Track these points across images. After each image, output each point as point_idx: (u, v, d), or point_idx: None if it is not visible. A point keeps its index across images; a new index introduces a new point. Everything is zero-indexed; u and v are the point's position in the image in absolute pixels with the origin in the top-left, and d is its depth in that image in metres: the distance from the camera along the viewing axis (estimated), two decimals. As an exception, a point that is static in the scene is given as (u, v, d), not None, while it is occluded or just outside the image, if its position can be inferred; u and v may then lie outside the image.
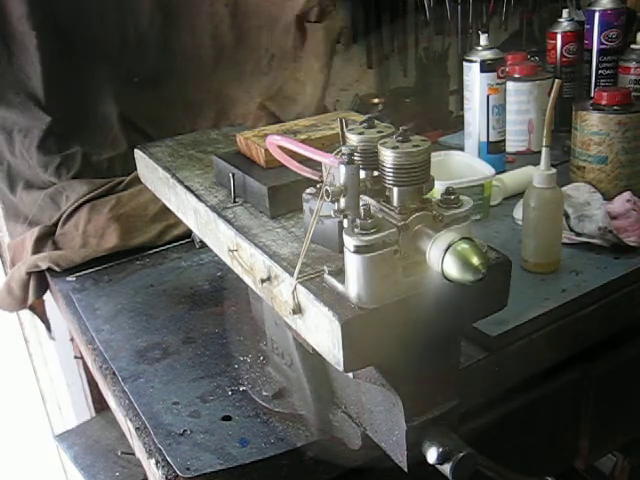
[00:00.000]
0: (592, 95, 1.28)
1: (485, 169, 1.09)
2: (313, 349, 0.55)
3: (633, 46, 1.25)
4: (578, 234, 0.98)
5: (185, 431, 0.71)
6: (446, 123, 1.56)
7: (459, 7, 1.57)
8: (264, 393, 0.74)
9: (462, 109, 1.32)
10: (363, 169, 0.55)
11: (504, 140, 1.27)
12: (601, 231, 0.95)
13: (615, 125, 1.06)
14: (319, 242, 0.59)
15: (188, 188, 0.77)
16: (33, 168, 1.21)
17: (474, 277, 0.45)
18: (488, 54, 1.20)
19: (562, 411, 0.92)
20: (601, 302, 0.87)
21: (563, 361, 0.86)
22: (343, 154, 0.53)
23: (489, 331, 0.78)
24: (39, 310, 1.36)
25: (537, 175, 0.91)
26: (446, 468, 0.55)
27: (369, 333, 0.50)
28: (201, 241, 0.79)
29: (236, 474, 0.66)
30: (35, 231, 1.15)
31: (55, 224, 1.17)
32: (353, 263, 0.49)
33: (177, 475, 0.65)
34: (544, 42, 1.47)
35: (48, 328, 1.40)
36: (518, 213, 1.05)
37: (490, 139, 1.25)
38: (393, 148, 0.52)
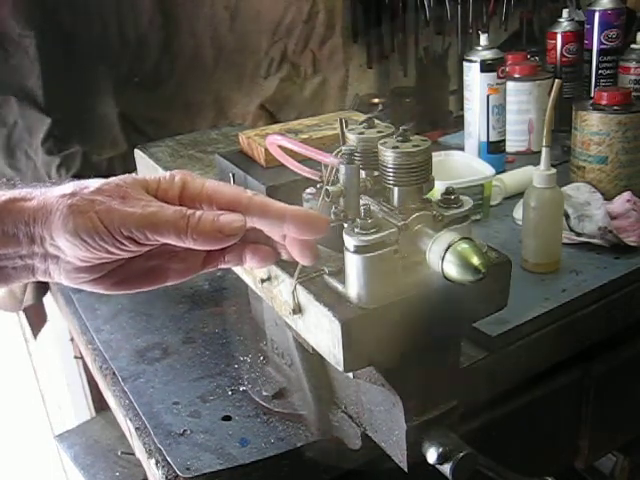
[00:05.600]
0: (592, 95, 1.27)
1: (485, 169, 1.09)
2: (313, 349, 0.55)
3: (633, 46, 1.25)
4: (578, 234, 0.98)
5: (185, 431, 0.71)
6: (446, 123, 1.56)
7: (459, 7, 1.57)
8: (264, 393, 0.74)
9: (462, 109, 1.32)
10: (363, 169, 0.55)
11: (504, 140, 1.27)
12: (601, 231, 0.95)
13: (615, 125, 1.06)
14: (319, 242, 0.58)
15: (188, 188, 0.77)
16: (38, 170, 1.21)
17: (474, 277, 0.45)
18: (488, 54, 1.20)
19: (562, 411, 0.92)
20: (601, 302, 0.87)
21: (563, 361, 0.86)
22: (343, 154, 0.53)
23: (489, 331, 0.78)
24: (31, 313, 1.36)
25: (537, 175, 0.91)
26: (446, 468, 0.55)
27: (369, 333, 0.50)
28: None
29: (236, 474, 0.66)
30: None
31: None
32: (353, 263, 0.49)
33: (177, 475, 0.65)
34: (544, 42, 1.47)
35: (35, 333, 1.39)
36: (518, 213, 1.05)
37: (490, 139, 1.25)
38: (393, 148, 0.52)
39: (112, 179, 0.46)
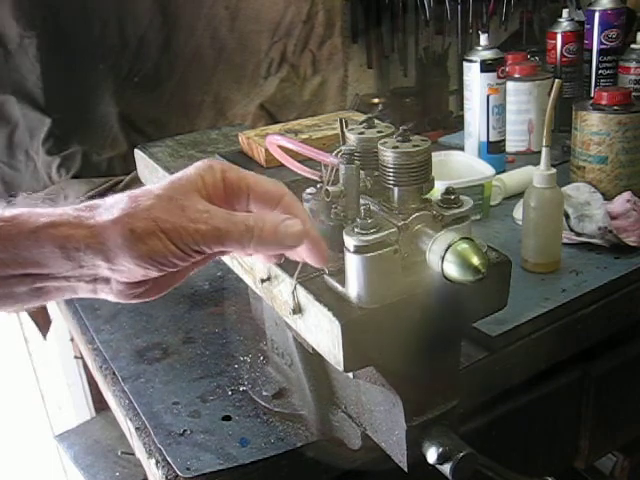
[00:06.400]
0: (592, 95, 1.28)
1: (485, 169, 1.09)
2: (313, 349, 0.55)
3: (633, 46, 1.25)
4: (578, 234, 0.98)
5: (185, 431, 0.71)
6: (446, 123, 1.56)
7: (459, 7, 1.57)
8: (264, 393, 0.74)
9: (462, 109, 1.32)
10: (363, 169, 0.55)
11: (504, 140, 1.27)
12: (601, 231, 0.95)
13: (615, 125, 1.06)
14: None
15: (188, 188, 0.77)
16: (38, 171, 1.21)
17: (474, 277, 0.45)
18: (488, 54, 1.20)
19: (562, 411, 0.92)
20: (601, 302, 0.87)
21: (563, 361, 0.86)
22: (343, 154, 0.53)
23: (489, 331, 0.78)
24: (36, 314, 1.36)
25: (537, 175, 0.91)
26: (446, 468, 0.55)
27: (369, 333, 0.50)
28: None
29: (236, 474, 0.65)
30: None
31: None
32: (353, 263, 0.49)
33: (177, 475, 0.65)
34: (544, 42, 1.47)
35: (43, 333, 1.40)
36: (518, 213, 1.05)
37: (490, 139, 1.25)
38: (393, 148, 0.52)
39: (160, 192, 0.45)
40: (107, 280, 0.47)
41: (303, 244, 0.48)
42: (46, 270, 0.44)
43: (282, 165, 0.62)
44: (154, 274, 0.45)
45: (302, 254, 0.49)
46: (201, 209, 0.44)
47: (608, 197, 1.06)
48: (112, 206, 0.44)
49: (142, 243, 0.42)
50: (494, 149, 1.25)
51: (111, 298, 0.48)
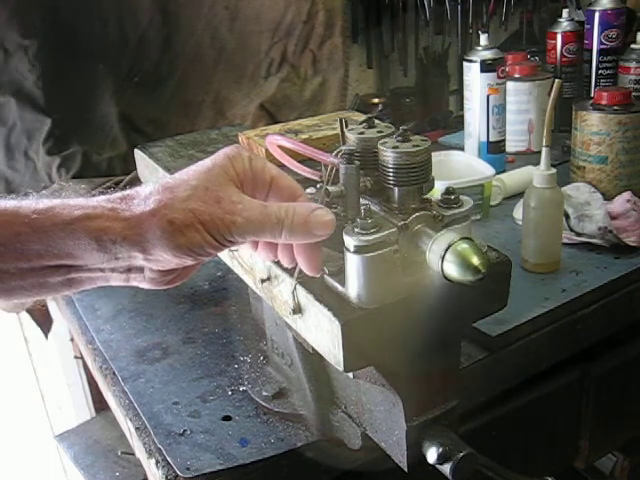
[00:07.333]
0: (592, 95, 1.28)
1: (485, 169, 1.09)
2: (313, 349, 0.55)
3: (633, 46, 1.25)
4: (578, 234, 0.98)
5: (185, 431, 0.71)
6: (446, 123, 1.56)
7: (459, 7, 1.57)
8: (264, 393, 0.74)
9: (462, 109, 1.32)
10: (363, 169, 0.55)
11: (504, 140, 1.27)
12: (601, 231, 0.95)
13: (615, 125, 1.06)
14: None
15: (188, 188, 0.77)
16: (38, 172, 1.21)
17: (474, 277, 0.45)
18: (488, 54, 1.21)
19: (562, 411, 0.92)
20: (601, 302, 0.87)
21: (563, 361, 0.86)
22: (343, 154, 0.53)
23: (489, 331, 0.78)
24: (37, 314, 1.36)
25: (537, 175, 0.91)
26: (446, 468, 0.55)
27: (369, 333, 0.50)
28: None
29: (236, 474, 0.66)
30: None
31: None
32: (353, 263, 0.49)
33: (177, 475, 0.65)
34: (544, 42, 1.47)
35: (45, 332, 1.40)
36: (518, 213, 1.05)
37: (490, 139, 1.25)
38: (393, 148, 0.52)
39: (195, 183, 0.45)
40: (141, 269, 0.47)
41: (303, 248, 0.48)
42: (80, 262, 0.45)
43: (282, 165, 0.62)
44: (189, 263, 0.46)
45: (299, 258, 0.50)
46: (236, 200, 0.45)
47: (608, 197, 1.06)
48: (147, 197, 0.44)
49: (180, 234, 0.43)
50: (494, 149, 1.25)
51: (143, 285, 0.49)
